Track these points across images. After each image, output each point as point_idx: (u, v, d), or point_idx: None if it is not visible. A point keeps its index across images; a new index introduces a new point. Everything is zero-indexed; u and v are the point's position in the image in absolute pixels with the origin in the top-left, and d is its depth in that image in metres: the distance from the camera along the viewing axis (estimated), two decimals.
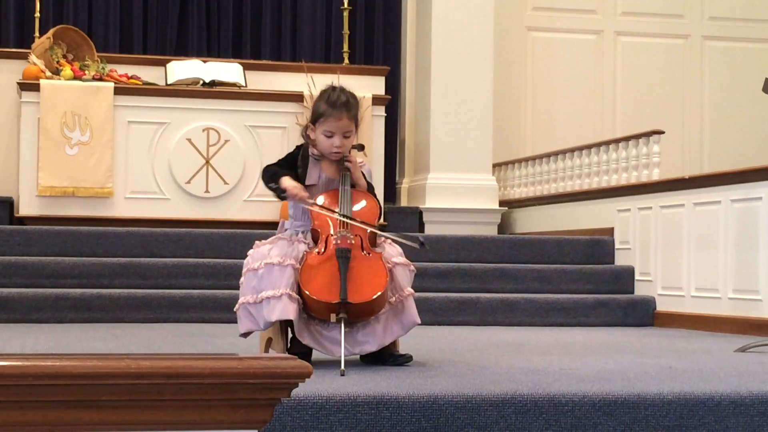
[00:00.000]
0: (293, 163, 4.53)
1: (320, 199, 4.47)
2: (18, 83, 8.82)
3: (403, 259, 4.49)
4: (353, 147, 4.63)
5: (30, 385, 1.94)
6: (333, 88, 4.55)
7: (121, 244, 7.85)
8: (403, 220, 9.64)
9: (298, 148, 4.59)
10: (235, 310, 4.51)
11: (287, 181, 4.38)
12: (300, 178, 4.49)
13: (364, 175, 4.60)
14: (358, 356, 4.46)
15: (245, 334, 4.53)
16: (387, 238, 4.55)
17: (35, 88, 8.69)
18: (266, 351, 4.47)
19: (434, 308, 7.42)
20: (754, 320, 6.85)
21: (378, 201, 4.63)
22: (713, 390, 3.73)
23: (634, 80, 11.32)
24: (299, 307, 4.29)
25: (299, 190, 4.38)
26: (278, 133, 9.11)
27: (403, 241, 4.49)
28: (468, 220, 9.74)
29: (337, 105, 4.48)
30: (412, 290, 4.47)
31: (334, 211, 4.41)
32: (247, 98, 9.18)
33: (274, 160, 4.62)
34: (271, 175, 4.44)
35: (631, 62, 11.34)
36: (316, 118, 4.51)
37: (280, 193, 4.37)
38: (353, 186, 4.55)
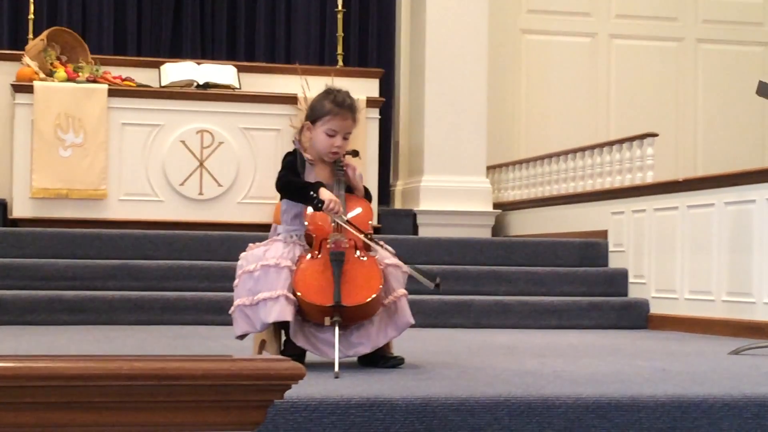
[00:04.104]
0: (297, 170, 4.51)
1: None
2: (11, 85, 8.81)
3: (395, 260, 4.49)
4: (347, 153, 4.64)
5: (23, 386, 1.94)
6: (338, 90, 4.57)
7: (115, 246, 7.84)
8: (397, 222, 9.64)
9: (290, 154, 4.58)
10: (230, 312, 4.50)
11: (326, 193, 4.35)
12: None
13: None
14: (352, 358, 4.46)
15: (241, 336, 4.52)
16: (405, 271, 4.51)
17: (29, 89, 8.68)
18: (260, 353, 4.47)
19: (428, 310, 7.42)
20: (748, 323, 6.86)
21: (371, 206, 4.64)
22: (707, 392, 3.74)
23: (628, 83, 11.34)
24: (296, 309, 4.29)
25: (336, 205, 4.34)
26: (272, 135, 9.10)
27: (417, 276, 4.45)
28: (462, 222, 9.74)
29: (344, 105, 4.50)
30: (405, 291, 4.47)
31: (361, 231, 4.39)
32: (241, 100, 9.17)
33: (284, 169, 4.56)
34: (301, 186, 4.40)
35: (625, 65, 11.35)
36: (318, 116, 4.51)
37: (317, 204, 4.35)
38: (348, 190, 4.56)
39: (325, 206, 4.31)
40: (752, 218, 6.91)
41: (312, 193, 4.34)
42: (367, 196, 4.63)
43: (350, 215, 4.48)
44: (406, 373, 4.22)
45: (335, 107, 4.49)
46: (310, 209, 4.43)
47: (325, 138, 4.49)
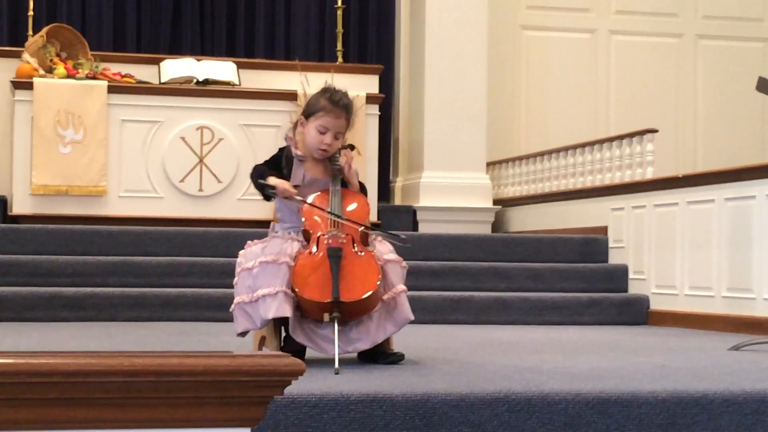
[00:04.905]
0: (279, 164, 4.55)
1: (310, 200, 4.47)
2: (11, 82, 8.81)
3: (394, 256, 4.49)
4: (343, 147, 4.64)
5: (23, 383, 1.94)
6: (336, 89, 4.58)
7: (115, 242, 7.84)
8: (397, 218, 9.64)
9: (281, 150, 4.60)
10: (231, 310, 4.51)
11: (275, 179, 4.41)
12: (285, 179, 4.51)
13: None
14: (352, 354, 4.46)
15: (242, 334, 4.53)
16: (374, 234, 4.55)
17: (29, 86, 8.68)
18: (260, 349, 4.47)
19: (428, 307, 7.42)
20: (748, 319, 6.86)
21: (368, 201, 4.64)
22: (706, 388, 3.74)
23: (627, 79, 11.33)
24: (295, 305, 4.29)
25: (288, 186, 4.41)
26: (272, 131, 9.10)
27: (388, 239, 4.50)
28: (462, 218, 9.74)
29: (339, 104, 4.51)
30: (404, 287, 4.47)
31: (323, 209, 4.42)
32: (241, 97, 9.17)
33: (261, 162, 4.65)
34: (259, 174, 4.47)
35: (625, 61, 11.35)
36: (312, 112, 4.53)
37: (269, 191, 4.39)
38: (344, 185, 4.56)
39: (278, 191, 4.36)
40: (752, 214, 6.91)
41: (260, 181, 4.38)
42: (362, 191, 4.64)
43: (347, 210, 4.48)
44: (405, 369, 4.22)
45: (329, 104, 4.50)
46: (306, 205, 4.44)
47: (316, 134, 4.50)
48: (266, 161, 4.61)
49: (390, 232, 4.54)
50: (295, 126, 4.62)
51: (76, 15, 10.02)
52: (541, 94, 11.17)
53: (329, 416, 3.38)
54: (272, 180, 4.42)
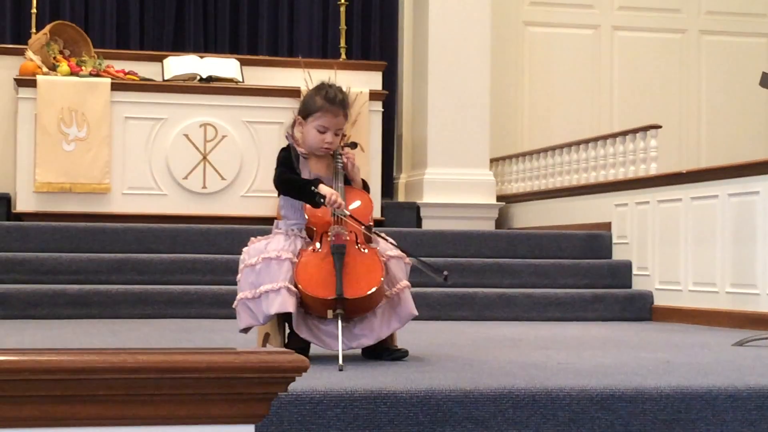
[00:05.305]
0: (293, 165, 4.52)
1: None
2: (15, 79, 8.81)
3: (397, 252, 4.49)
4: (347, 145, 4.63)
5: (26, 380, 1.94)
6: (330, 86, 4.56)
7: (119, 240, 7.85)
8: (401, 215, 9.64)
9: (285, 150, 4.57)
10: (233, 306, 4.51)
11: (326, 188, 4.37)
12: None
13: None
14: (356, 351, 4.46)
15: (245, 330, 4.53)
16: (414, 263, 4.54)
17: (32, 84, 8.68)
18: (264, 346, 4.47)
19: (432, 303, 7.42)
20: (752, 314, 6.86)
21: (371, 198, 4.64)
22: (710, 384, 3.74)
23: (631, 75, 11.33)
24: (298, 300, 4.29)
25: (338, 197, 4.36)
26: (275, 128, 9.09)
27: (427, 271, 4.50)
28: (465, 215, 9.74)
29: (335, 102, 4.49)
30: (407, 283, 4.47)
31: (362, 223, 4.40)
32: (244, 94, 9.17)
33: (278, 168, 4.57)
34: (301, 183, 4.42)
35: (628, 57, 11.34)
36: (309, 112, 4.51)
37: (320, 200, 4.35)
38: (348, 183, 4.56)
39: (327, 201, 4.32)
40: (756, 209, 6.90)
41: (312, 188, 4.34)
42: (365, 188, 4.63)
43: (350, 207, 4.48)
44: (409, 366, 4.22)
45: (326, 103, 4.47)
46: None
47: (316, 134, 4.48)
48: (284, 165, 4.54)
49: (429, 265, 4.52)
50: (293, 125, 4.61)
51: (80, 12, 10.03)
52: (544, 91, 11.16)
53: (333, 413, 3.38)
54: (324, 189, 4.36)
